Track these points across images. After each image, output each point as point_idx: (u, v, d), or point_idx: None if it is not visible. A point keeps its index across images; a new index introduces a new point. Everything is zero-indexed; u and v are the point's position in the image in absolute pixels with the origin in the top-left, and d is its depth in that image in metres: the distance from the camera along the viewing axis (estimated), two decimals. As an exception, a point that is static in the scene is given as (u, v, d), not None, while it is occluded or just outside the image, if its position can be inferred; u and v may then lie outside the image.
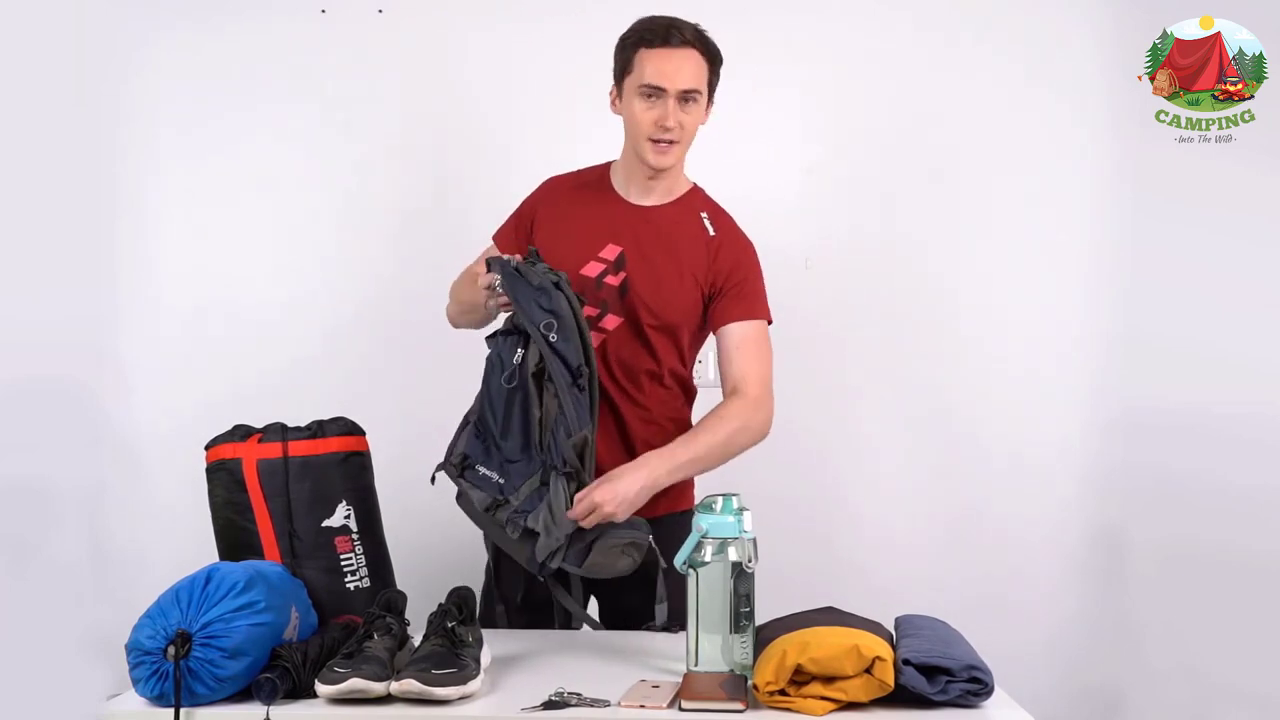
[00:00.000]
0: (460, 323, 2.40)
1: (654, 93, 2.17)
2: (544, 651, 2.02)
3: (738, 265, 2.26)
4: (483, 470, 2.10)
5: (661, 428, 2.24)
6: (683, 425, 2.27)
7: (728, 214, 2.33)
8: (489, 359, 2.14)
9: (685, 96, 2.17)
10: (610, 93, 2.25)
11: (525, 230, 2.31)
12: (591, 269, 2.23)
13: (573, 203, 2.30)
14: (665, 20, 2.18)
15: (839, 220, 3.17)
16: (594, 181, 2.33)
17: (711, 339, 2.31)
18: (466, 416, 2.18)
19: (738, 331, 2.24)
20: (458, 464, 2.13)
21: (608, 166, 2.35)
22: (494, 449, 2.10)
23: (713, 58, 2.21)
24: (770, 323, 2.28)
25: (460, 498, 2.15)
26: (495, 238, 2.37)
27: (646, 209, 2.29)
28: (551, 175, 2.37)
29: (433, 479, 2.16)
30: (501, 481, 2.08)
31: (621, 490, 2.02)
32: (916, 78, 3.13)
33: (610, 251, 2.23)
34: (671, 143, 2.19)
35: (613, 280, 2.23)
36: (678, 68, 2.16)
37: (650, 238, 2.25)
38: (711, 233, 2.27)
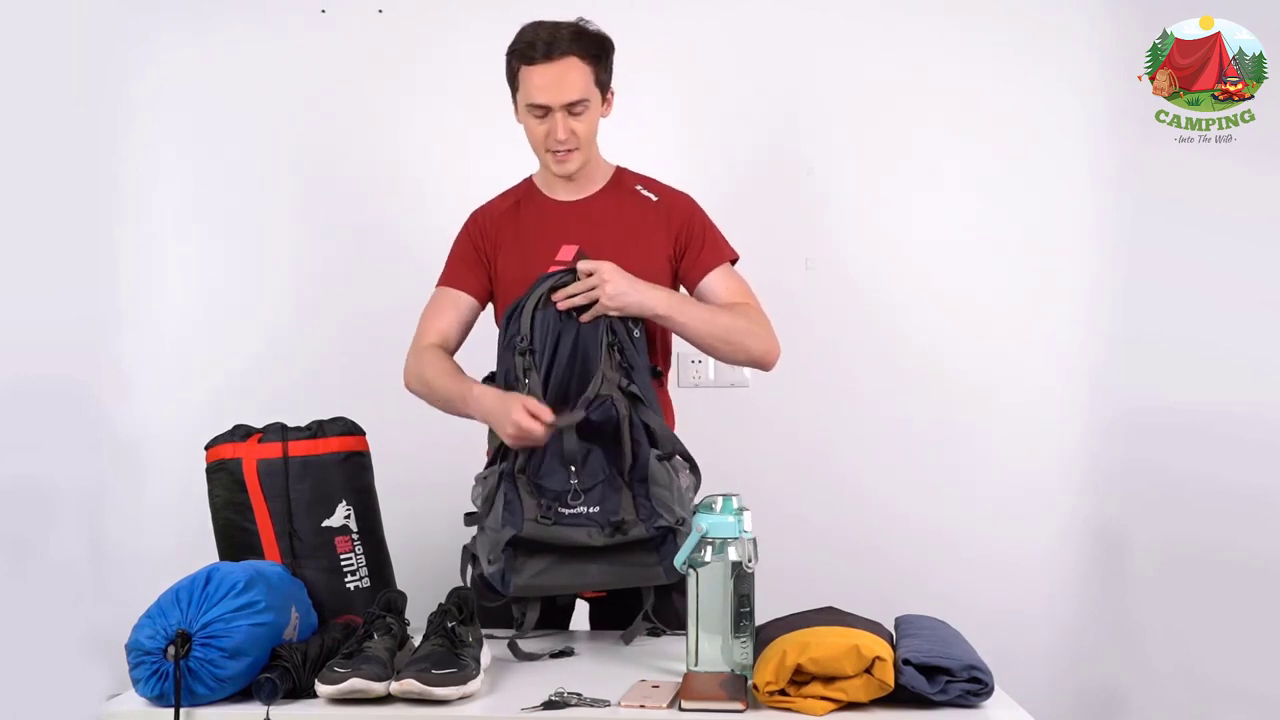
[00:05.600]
0: (426, 398, 2.27)
1: (541, 110, 2.18)
2: (544, 652, 2.02)
3: (690, 217, 2.31)
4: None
5: None
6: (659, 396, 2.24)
7: (659, 181, 2.35)
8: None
9: (572, 108, 2.18)
10: (512, 101, 2.25)
11: (484, 266, 2.30)
12: None
13: (513, 222, 2.31)
14: (544, 32, 2.16)
15: (839, 220, 3.17)
16: (522, 197, 2.34)
17: None
18: None
19: (718, 280, 2.27)
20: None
21: (528, 180, 2.36)
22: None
23: (598, 54, 2.19)
24: (737, 259, 2.32)
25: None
26: (449, 283, 2.31)
27: (583, 202, 2.30)
28: (471, 211, 2.36)
29: None
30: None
31: (624, 281, 2.07)
32: (917, 77, 3.13)
33: (566, 253, 2.23)
34: (570, 150, 2.21)
35: None
36: (559, 83, 2.15)
37: (600, 226, 2.26)
38: (654, 199, 2.30)
